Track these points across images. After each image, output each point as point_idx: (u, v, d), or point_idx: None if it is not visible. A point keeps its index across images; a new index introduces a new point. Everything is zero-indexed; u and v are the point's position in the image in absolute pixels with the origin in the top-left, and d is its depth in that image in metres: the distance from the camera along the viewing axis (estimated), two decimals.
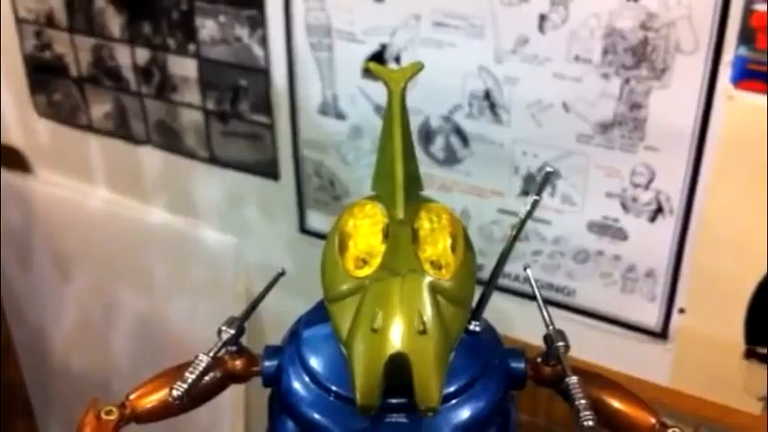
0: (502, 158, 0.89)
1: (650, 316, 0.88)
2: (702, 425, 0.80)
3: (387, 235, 0.43)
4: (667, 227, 0.84)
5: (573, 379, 0.45)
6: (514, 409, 0.48)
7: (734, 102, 0.76)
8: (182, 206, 1.18)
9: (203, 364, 0.47)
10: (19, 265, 1.36)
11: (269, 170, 1.06)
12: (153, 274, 1.23)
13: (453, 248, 0.45)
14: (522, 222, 0.49)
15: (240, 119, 1.05)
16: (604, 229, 0.87)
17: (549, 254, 0.91)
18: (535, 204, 0.48)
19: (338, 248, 0.44)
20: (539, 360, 0.48)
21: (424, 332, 0.39)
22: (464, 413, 0.42)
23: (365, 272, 0.42)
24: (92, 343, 1.34)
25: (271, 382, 0.48)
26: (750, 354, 0.84)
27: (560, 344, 0.47)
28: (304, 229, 1.08)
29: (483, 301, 0.49)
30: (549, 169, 0.48)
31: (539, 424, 0.94)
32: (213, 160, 1.11)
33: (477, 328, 0.47)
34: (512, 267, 0.94)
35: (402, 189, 0.42)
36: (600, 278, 0.90)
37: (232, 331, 0.49)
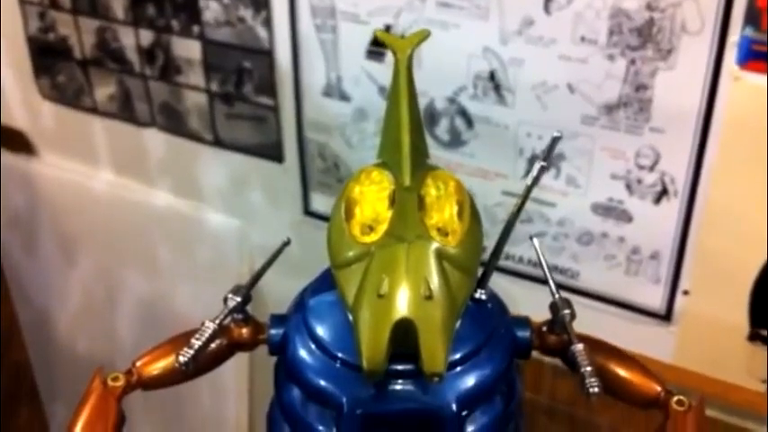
0: (506, 140, 0.89)
1: (654, 298, 0.88)
2: (706, 401, 0.80)
3: (393, 202, 0.43)
4: (672, 209, 0.83)
5: (578, 346, 0.45)
6: (520, 378, 0.48)
7: (739, 83, 0.75)
8: (186, 189, 1.18)
9: (210, 331, 0.47)
10: (23, 248, 1.37)
11: (273, 152, 1.06)
12: (157, 256, 1.23)
13: (460, 216, 0.45)
14: (529, 189, 0.49)
15: (244, 101, 1.05)
16: (609, 210, 0.87)
17: (554, 236, 0.91)
18: (542, 171, 0.48)
19: (344, 215, 0.44)
20: (544, 329, 0.48)
21: (430, 298, 0.39)
22: (469, 380, 0.42)
23: (371, 238, 0.42)
24: (96, 326, 1.35)
25: (277, 351, 0.48)
26: (754, 336, 0.84)
27: (566, 311, 0.47)
28: (308, 212, 1.08)
29: (489, 269, 0.49)
30: (555, 134, 0.48)
31: (542, 402, 0.94)
32: (217, 143, 1.11)
33: (483, 296, 0.47)
34: (517, 249, 0.94)
35: (408, 156, 0.42)
36: (604, 260, 0.90)
37: (238, 299, 0.50)
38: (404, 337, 0.39)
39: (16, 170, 1.30)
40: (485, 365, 0.43)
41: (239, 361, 1.22)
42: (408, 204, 0.42)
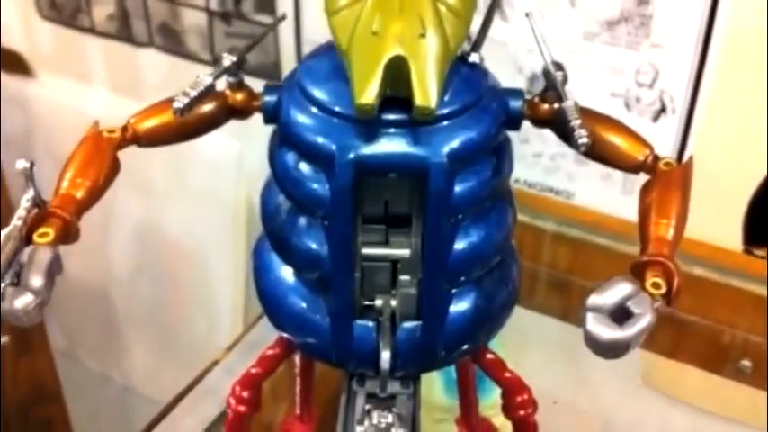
0: (506, 58, 0.88)
1: None
2: (695, 263, 0.80)
3: None
4: (670, 127, 0.83)
5: (569, 103, 0.44)
6: (509, 159, 0.47)
7: None
8: None
9: (205, 83, 0.46)
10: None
11: (272, 73, 1.06)
12: (153, 180, 1.23)
13: None
14: None
15: (243, 20, 1.04)
16: None
17: (551, 156, 0.91)
18: None
19: None
20: (536, 99, 0.47)
21: (423, 36, 0.39)
22: (459, 135, 0.42)
23: None
24: (91, 249, 1.35)
25: (271, 117, 0.47)
26: (747, 255, 0.84)
27: (559, 73, 0.46)
28: None
29: (483, 31, 0.48)
30: None
31: (541, 270, 0.95)
32: (216, 63, 1.10)
33: (477, 60, 0.46)
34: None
35: None
36: (600, 180, 0.90)
37: (233, 58, 0.49)
38: (397, 79, 0.39)
39: (13, 91, 1.30)
40: (475, 124, 0.43)
41: (235, 289, 1.23)
42: None
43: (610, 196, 0.90)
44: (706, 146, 0.82)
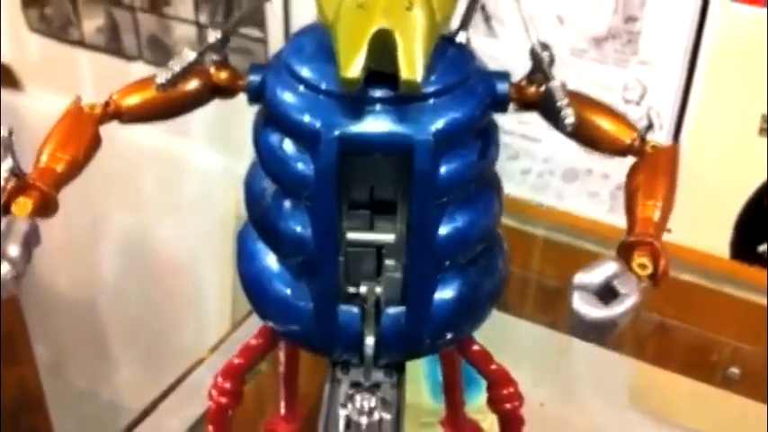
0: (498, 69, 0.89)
1: None
2: (684, 269, 0.80)
3: None
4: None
5: (556, 83, 0.43)
6: (495, 145, 0.47)
7: (729, 14, 0.76)
8: (172, 123, 1.17)
9: (188, 58, 0.46)
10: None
11: None
12: (142, 191, 1.22)
13: None
14: None
15: (233, 33, 1.04)
16: None
17: (538, 173, 0.91)
18: None
19: None
20: (523, 83, 0.47)
21: (410, 9, 0.39)
22: (445, 114, 0.41)
23: None
24: (79, 261, 1.34)
25: (256, 96, 0.47)
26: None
27: (545, 53, 0.46)
28: None
29: (470, 10, 0.48)
30: None
31: (531, 277, 0.95)
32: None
33: (464, 41, 0.46)
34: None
35: None
36: (588, 197, 0.90)
37: (218, 35, 0.48)
38: (383, 51, 0.38)
39: (2, 104, 1.29)
40: (461, 104, 0.42)
41: (223, 303, 1.22)
42: None
43: (597, 213, 0.90)
44: (693, 161, 0.83)
